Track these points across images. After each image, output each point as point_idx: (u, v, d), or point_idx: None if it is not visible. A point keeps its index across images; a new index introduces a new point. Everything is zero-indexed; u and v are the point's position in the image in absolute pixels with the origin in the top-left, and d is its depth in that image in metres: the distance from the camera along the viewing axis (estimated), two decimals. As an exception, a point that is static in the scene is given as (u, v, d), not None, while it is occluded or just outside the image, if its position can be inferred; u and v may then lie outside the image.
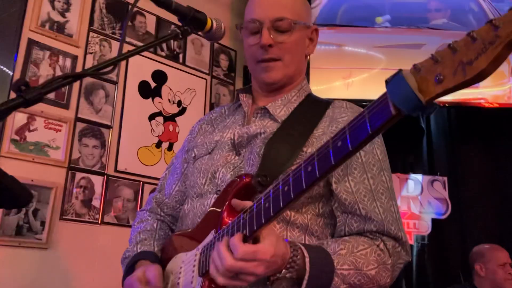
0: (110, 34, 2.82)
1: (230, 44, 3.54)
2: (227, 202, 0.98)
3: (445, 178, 3.35)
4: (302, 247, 0.91)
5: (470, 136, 3.43)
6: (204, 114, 3.23)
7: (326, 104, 1.15)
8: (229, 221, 0.93)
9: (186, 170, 1.25)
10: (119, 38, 2.86)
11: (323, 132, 1.06)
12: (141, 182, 2.80)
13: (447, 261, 3.26)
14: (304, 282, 0.89)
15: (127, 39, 2.90)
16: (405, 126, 3.03)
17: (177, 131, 3.07)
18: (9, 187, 0.82)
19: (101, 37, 2.77)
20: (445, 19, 3.24)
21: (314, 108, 1.14)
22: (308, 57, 1.25)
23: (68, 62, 2.61)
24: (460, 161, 3.40)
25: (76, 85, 2.62)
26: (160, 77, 3.04)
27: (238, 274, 0.85)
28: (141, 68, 2.95)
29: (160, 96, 3.02)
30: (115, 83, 2.79)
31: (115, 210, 2.66)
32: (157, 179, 2.86)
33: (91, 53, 2.71)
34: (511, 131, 3.31)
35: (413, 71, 0.59)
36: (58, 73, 2.57)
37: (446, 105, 3.08)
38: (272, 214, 0.80)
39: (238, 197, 0.97)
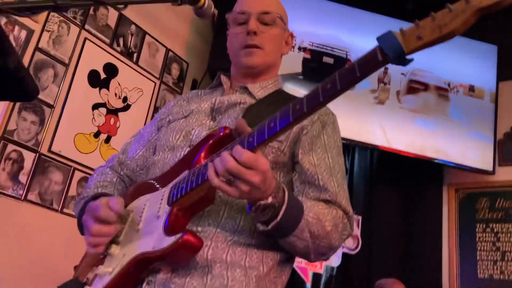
0: (71, 18, 2.85)
1: (184, 55, 3.67)
2: (206, 145, 1.03)
3: (360, 217, 3.61)
4: (283, 185, 1.01)
5: (387, 181, 3.73)
6: (147, 116, 3.31)
7: (295, 98, 1.28)
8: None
9: (159, 134, 1.31)
10: (79, 24, 2.89)
11: None
12: (72, 168, 2.78)
13: (351, 293, 3.47)
14: (281, 212, 0.97)
15: (86, 26, 2.94)
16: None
17: (117, 125, 3.09)
18: (23, 77, 0.85)
19: (62, 18, 2.79)
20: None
21: (285, 97, 1.27)
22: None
23: (23, 34, 2.60)
24: (375, 203, 3.68)
25: (26, 58, 2.60)
26: (111, 70, 3.08)
27: (234, 180, 0.90)
28: (94, 57, 2.98)
29: (108, 89, 3.05)
30: (66, 65, 2.80)
31: (41, 190, 2.61)
32: (89, 168, 2.88)
33: (48, 31, 2.71)
34: (421, 180, 3.66)
35: (398, 33, 0.79)
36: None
37: (369, 146, 3.38)
38: (255, 144, 0.89)
39: (216, 147, 1.02)
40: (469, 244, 3.44)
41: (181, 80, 3.62)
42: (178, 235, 0.94)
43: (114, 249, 1.07)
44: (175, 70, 3.58)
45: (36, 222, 2.58)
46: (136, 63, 3.26)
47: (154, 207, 1.06)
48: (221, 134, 1.04)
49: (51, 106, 2.70)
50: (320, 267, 3.46)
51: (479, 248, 3.40)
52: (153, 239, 0.99)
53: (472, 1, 0.73)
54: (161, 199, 1.05)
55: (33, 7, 0.75)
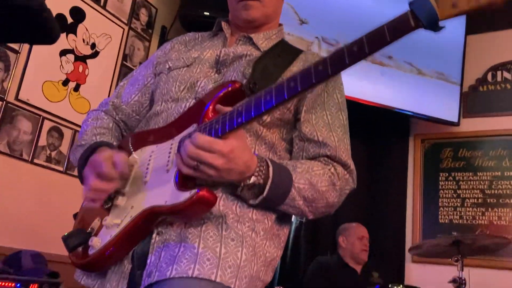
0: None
1: (153, 0, 3.51)
2: (214, 98, 1.01)
3: (328, 167, 3.69)
4: (267, 159, 1.02)
5: (355, 131, 3.78)
6: (116, 64, 3.19)
7: (299, 50, 1.25)
8: (213, 118, 0.98)
9: (158, 82, 1.25)
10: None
11: (298, 69, 1.12)
12: (41, 117, 2.68)
13: (318, 238, 3.61)
14: (267, 188, 0.99)
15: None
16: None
17: (86, 73, 2.97)
18: (46, 19, 0.78)
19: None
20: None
21: (290, 49, 1.24)
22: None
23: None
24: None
25: (-13, -1, 2.42)
26: (78, 14, 2.92)
27: (199, 166, 0.92)
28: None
29: (75, 34, 2.90)
30: (30, 8, 2.63)
31: (9, 140, 2.51)
32: (59, 117, 2.77)
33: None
34: (388, 130, 3.77)
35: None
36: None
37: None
38: (244, 120, 0.91)
39: (224, 101, 1.00)
40: (432, 192, 3.61)
41: (150, 27, 3.48)
42: (193, 191, 0.92)
43: (121, 200, 1.05)
44: (143, 15, 3.44)
45: (6, 173, 2.50)
46: (104, 7, 3.10)
47: (161, 159, 1.04)
48: (230, 88, 1.02)
49: (16, 52, 2.55)
50: (290, 215, 3.56)
51: (441, 195, 3.58)
52: (164, 192, 0.98)
53: None
54: (169, 152, 1.03)
55: None
